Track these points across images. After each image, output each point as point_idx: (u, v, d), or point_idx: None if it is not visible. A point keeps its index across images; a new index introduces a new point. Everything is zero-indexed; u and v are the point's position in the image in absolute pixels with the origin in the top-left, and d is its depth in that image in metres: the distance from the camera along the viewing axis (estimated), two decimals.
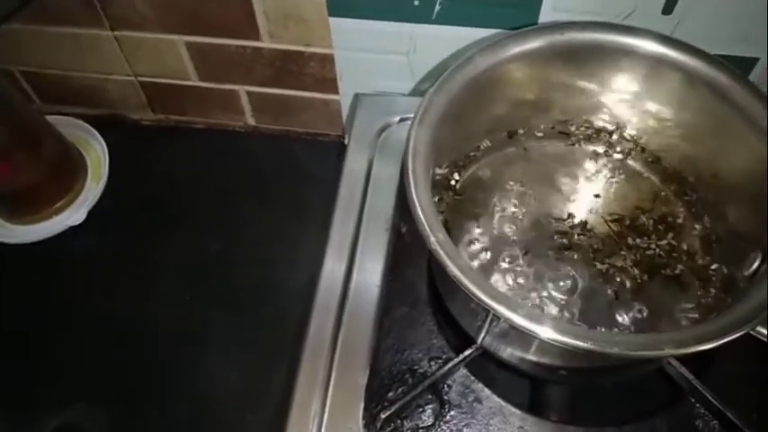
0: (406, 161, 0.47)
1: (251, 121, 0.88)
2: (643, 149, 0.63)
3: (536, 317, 0.40)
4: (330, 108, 0.82)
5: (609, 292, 0.55)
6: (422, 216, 0.45)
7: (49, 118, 0.81)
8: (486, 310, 0.43)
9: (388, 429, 0.54)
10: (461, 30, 0.68)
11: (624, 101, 0.61)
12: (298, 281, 0.73)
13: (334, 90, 0.80)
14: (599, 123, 0.64)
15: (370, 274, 0.62)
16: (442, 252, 0.43)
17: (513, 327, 0.42)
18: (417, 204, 0.45)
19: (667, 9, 0.62)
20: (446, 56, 0.71)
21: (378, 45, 0.72)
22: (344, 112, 0.83)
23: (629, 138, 0.64)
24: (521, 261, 0.57)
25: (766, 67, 0.64)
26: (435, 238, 0.44)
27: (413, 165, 0.47)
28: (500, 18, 0.65)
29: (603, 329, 0.51)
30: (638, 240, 0.57)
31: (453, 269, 0.42)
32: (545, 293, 0.55)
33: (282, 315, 0.71)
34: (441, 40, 0.69)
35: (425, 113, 0.50)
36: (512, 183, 0.61)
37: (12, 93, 0.74)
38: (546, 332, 0.40)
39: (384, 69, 0.75)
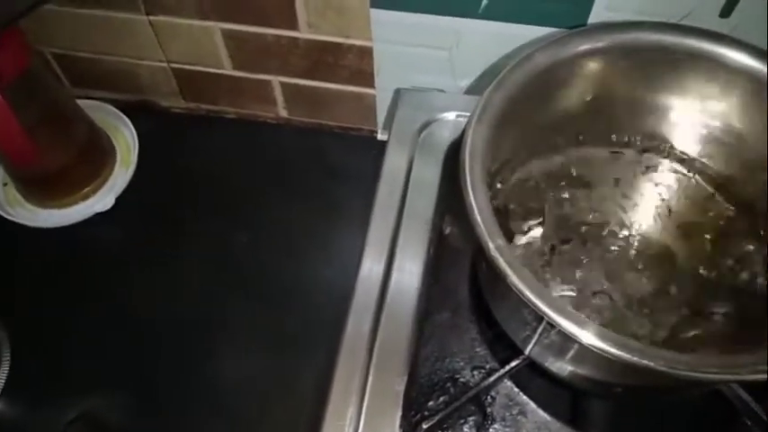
0: (463, 162, 0.45)
1: (283, 113, 0.86)
2: (709, 166, 0.61)
3: (606, 335, 0.38)
4: (364, 102, 0.81)
5: (657, 307, 0.53)
6: (480, 221, 0.43)
7: (79, 102, 0.79)
8: (538, 319, 0.41)
9: None
10: (508, 26, 0.66)
11: (692, 110, 0.59)
12: (325, 276, 0.73)
13: (370, 84, 0.78)
14: (664, 133, 0.61)
15: (410, 276, 0.60)
16: (501, 260, 0.41)
17: (568, 337, 0.40)
18: (475, 208, 0.43)
19: (726, 11, 0.60)
20: (491, 53, 0.69)
21: (419, 39, 0.70)
22: (379, 106, 0.81)
23: (693, 152, 0.61)
24: (569, 269, 0.55)
25: None
26: (495, 244, 0.42)
27: (470, 166, 0.45)
28: (550, 15, 0.63)
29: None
30: (695, 263, 0.55)
31: (514, 278, 0.40)
32: (595, 303, 0.52)
33: (308, 312, 0.70)
34: (486, 36, 0.67)
35: (484, 112, 0.48)
36: (564, 187, 0.59)
37: (43, 73, 0.72)
38: (619, 353, 0.38)
39: (423, 64, 0.73)
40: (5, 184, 0.80)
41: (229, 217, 0.78)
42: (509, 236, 0.57)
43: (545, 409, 0.53)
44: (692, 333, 0.51)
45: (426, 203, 0.64)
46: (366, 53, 0.73)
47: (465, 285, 0.60)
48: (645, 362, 0.38)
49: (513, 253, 0.42)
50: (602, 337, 0.38)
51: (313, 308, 0.71)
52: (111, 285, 0.74)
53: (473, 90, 0.74)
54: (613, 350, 0.38)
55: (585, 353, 0.45)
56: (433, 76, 0.74)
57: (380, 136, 0.85)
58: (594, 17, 0.62)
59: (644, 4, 0.61)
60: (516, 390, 0.54)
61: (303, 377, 0.66)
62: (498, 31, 0.66)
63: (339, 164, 0.82)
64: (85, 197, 0.79)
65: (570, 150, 0.61)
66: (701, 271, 0.55)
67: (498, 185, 0.56)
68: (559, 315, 0.39)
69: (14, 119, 0.63)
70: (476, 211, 0.43)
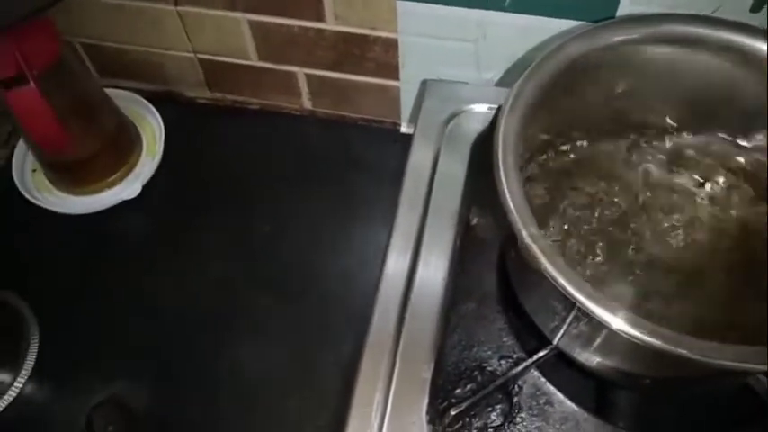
0: (496, 151, 0.46)
1: (307, 105, 0.87)
2: (741, 157, 0.60)
3: (640, 323, 0.38)
4: (389, 95, 0.81)
5: (692, 295, 0.53)
6: (513, 208, 0.43)
7: (107, 91, 0.80)
8: (569, 308, 0.41)
9: (456, 426, 0.52)
10: (535, 19, 0.66)
11: (724, 102, 0.58)
12: (347, 268, 0.73)
13: (395, 76, 0.78)
14: (697, 126, 0.61)
15: (436, 267, 0.60)
16: (535, 247, 0.41)
17: (597, 325, 0.40)
18: (509, 196, 0.44)
19: (756, 6, 0.60)
20: (516, 46, 0.69)
21: (445, 31, 0.70)
22: (403, 99, 0.81)
23: (724, 144, 0.60)
24: (595, 263, 0.55)
25: None
26: (528, 232, 0.42)
27: (503, 155, 0.45)
28: (577, 8, 0.63)
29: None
30: (727, 255, 0.54)
31: (548, 266, 0.41)
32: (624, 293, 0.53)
33: (330, 303, 0.71)
34: (512, 29, 0.67)
35: (516, 101, 0.48)
36: (593, 182, 0.59)
37: (73, 63, 0.73)
38: (651, 340, 0.38)
39: (449, 57, 0.73)
40: (34, 171, 0.81)
41: (252, 207, 0.79)
42: (544, 221, 0.57)
43: (572, 400, 0.53)
44: (721, 326, 0.51)
45: (453, 195, 0.64)
46: (392, 45, 0.74)
47: (492, 276, 0.60)
48: (678, 350, 0.38)
49: (546, 241, 0.42)
50: (635, 324, 0.38)
51: (335, 299, 0.71)
52: (136, 272, 0.75)
53: (498, 83, 0.74)
54: (645, 337, 0.38)
55: (615, 342, 0.45)
56: (457, 68, 0.74)
57: (404, 129, 0.85)
58: (622, 11, 0.62)
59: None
60: (543, 380, 0.54)
61: (325, 367, 0.67)
62: (524, 23, 0.66)
63: (362, 156, 0.83)
64: (112, 185, 0.80)
65: (601, 142, 0.61)
66: (731, 264, 0.55)
67: (536, 171, 0.57)
68: (592, 302, 0.39)
69: (47, 106, 0.64)
70: (509, 199, 0.44)
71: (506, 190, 0.44)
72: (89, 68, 0.87)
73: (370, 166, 0.81)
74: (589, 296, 0.40)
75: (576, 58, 0.51)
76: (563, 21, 0.65)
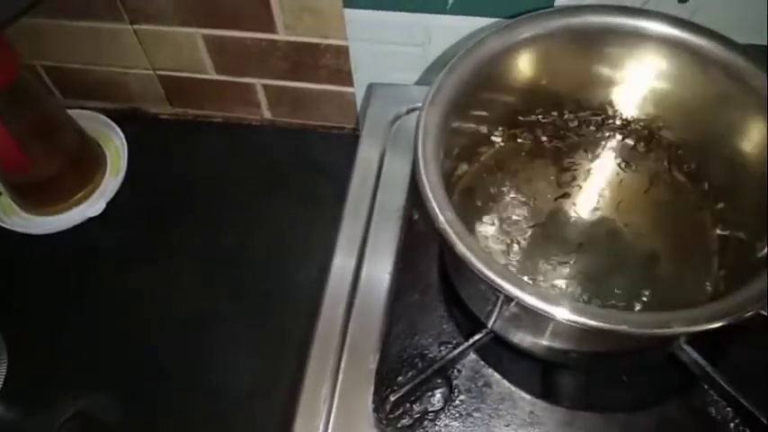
0: (416, 141, 0.47)
1: (267, 115, 0.89)
2: (657, 137, 0.62)
3: (545, 294, 0.40)
4: (345, 100, 0.83)
5: (618, 281, 0.54)
6: (431, 195, 0.45)
7: (70, 112, 0.82)
8: (497, 291, 0.42)
9: (398, 412, 0.54)
10: (477, 19, 0.68)
11: (639, 87, 0.60)
12: (311, 273, 0.73)
13: (349, 82, 0.80)
14: (614, 111, 0.63)
15: (382, 262, 0.62)
16: (450, 231, 0.43)
17: (523, 306, 0.41)
18: (426, 184, 0.45)
19: None
20: (462, 47, 0.69)
21: (392, 36, 0.72)
22: (359, 104, 0.83)
23: (643, 126, 0.63)
24: (528, 253, 0.56)
25: None
26: (444, 217, 0.44)
27: (423, 145, 0.47)
28: (515, 7, 0.65)
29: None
30: (651, 227, 0.56)
31: (462, 248, 0.42)
32: (555, 280, 0.54)
33: (295, 307, 0.71)
34: (456, 31, 0.69)
35: (437, 95, 0.50)
36: (523, 173, 0.61)
37: (34, 86, 0.75)
38: (556, 310, 0.40)
39: (399, 61, 0.75)
40: (1, 194, 0.83)
41: (218, 218, 0.80)
42: (478, 216, 0.59)
43: (509, 380, 0.55)
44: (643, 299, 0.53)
45: (398, 192, 0.66)
46: (343, 52, 0.76)
47: (434, 267, 0.62)
48: (586, 320, 0.39)
49: (464, 226, 0.44)
50: (543, 297, 0.40)
51: (299, 305, 0.71)
52: (104, 288, 0.76)
53: None
54: (549, 308, 0.40)
55: (535, 320, 0.46)
56: (408, 72, 0.76)
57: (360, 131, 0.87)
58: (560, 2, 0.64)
59: None
60: (482, 363, 0.56)
61: (285, 366, 0.67)
62: (468, 24, 0.68)
63: (323, 162, 0.84)
64: (77, 203, 0.81)
65: (527, 133, 0.63)
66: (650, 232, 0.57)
67: (465, 167, 0.58)
68: (503, 279, 0.41)
69: (5, 129, 0.65)
70: (427, 187, 0.45)
71: (424, 177, 0.46)
72: (51, 90, 0.89)
73: (332, 172, 0.82)
74: (498, 272, 0.41)
75: (495, 53, 0.53)
76: (504, 20, 0.66)
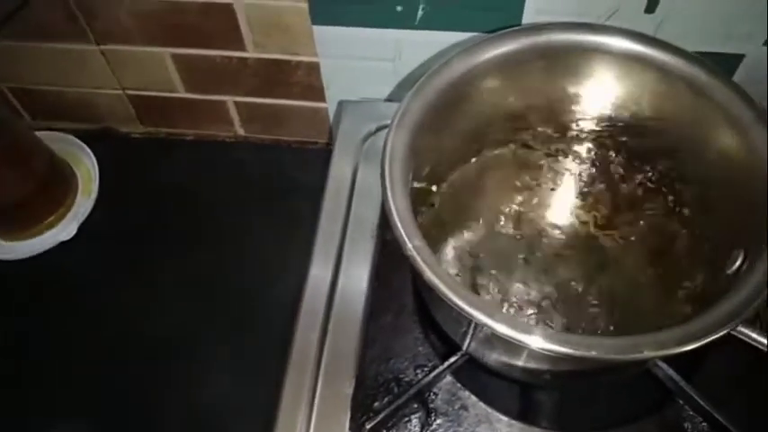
0: (383, 166, 0.47)
1: (240, 131, 0.88)
2: (625, 150, 0.62)
3: (512, 322, 0.40)
4: (318, 116, 0.83)
5: (589, 298, 0.55)
6: (398, 222, 0.45)
7: (39, 134, 0.81)
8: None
9: None
10: (445, 34, 0.68)
11: (604, 102, 0.60)
12: (286, 290, 0.72)
13: (322, 98, 0.80)
14: (580, 125, 0.63)
15: (357, 281, 0.62)
16: (418, 258, 0.43)
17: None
18: (394, 210, 0.45)
19: (650, 8, 0.62)
20: (432, 62, 0.71)
21: (363, 52, 0.72)
22: (332, 119, 0.82)
23: (612, 141, 0.63)
24: (498, 272, 0.56)
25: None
26: (412, 244, 0.43)
27: (390, 170, 0.47)
28: (483, 22, 0.65)
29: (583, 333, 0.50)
30: (621, 241, 0.56)
31: (431, 276, 0.42)
32: (526, 298, 0.54)
33: (271, 325, 0.71)
34: (425, 46, 0.69)
35: (403, 118, 0.50)
36: (493, 192, 0.61)
37: (1, 110, 0.74)
38: (527, 338, 0.39)
39: (370, 76, 0.75)
40: None
41: (193, 235, 0.80)
42: (447, 236, 0.58)
43: (487, 403, 0.54)
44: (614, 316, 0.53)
45: (371, 211, 0.66)
46: (314, 69, 0.75)
47: (408, 288, 0.62)
48: (554, 346, 0.39)
49: (432, 254, 0.44)
50: (514, 326, 0.40)
51: (272, 320, 0.72)
52: (79, 310, 0.75)
53: None
54: (520, 336, 0.40)
55: (508, 343, 0.46)
56: (380, 86, 0.76)
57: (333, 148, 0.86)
58: (526, 22, 0.64)
59: (571, 6, 0.63)
60: (458, 385, 0.56)
61: (261, 389, 0.67)
62: (436, 39, 0.68)
63: (298, 178, 0.84)
64: (49, 227, 0.80)
65: (495, 152, 0.63)
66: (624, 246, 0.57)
67: (434, 188, 0.58)
68: (473, 308, 0.41)
69: None
70: (394, 213, 0.45)
71: (392, 205, 0.45)
72: (19, 112, 0.88)
73: (305, 187, 0.82)
74: (467, 301, 0.41)
75: (461, 74, 0.53)
76: (470, 34, 0.67)
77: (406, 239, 0.44)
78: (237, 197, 0.83)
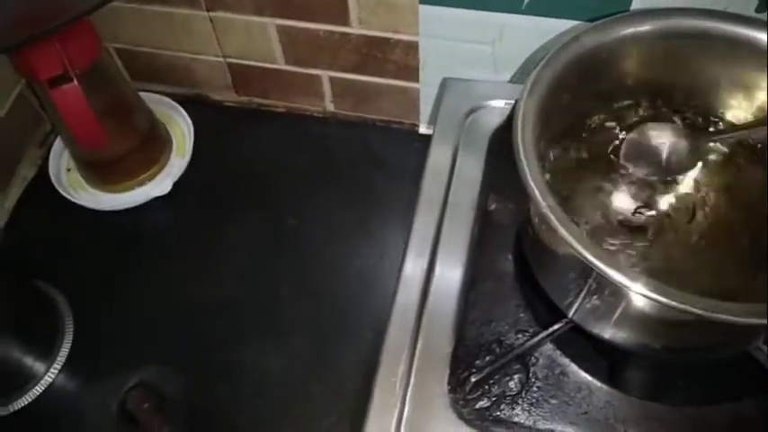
0: (515, 128, 0.49)
1: (330, 107, 0.90)
2: (749, 143, 0.62)
3: (650, 283, 0.41)
4: (409, 96, 0.84)
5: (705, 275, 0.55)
6: (532, 182, 0.46)
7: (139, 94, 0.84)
8: (584, 278, 0.43)
9: (477, 393, 0.55)
10: (551, 21, 0.68)
11: (732, 91, 0.61)
12: (365, 265, 0.76)
13: (415, 78, 0.81)
14: (706, 111, 0.63)
15: (456, 253, 0.63)
16: (552, 216, 0.44)
17: (616, 294, 0.42)
18: (527, 171, 0.47)
19: (761, 7, 0.62)
20: (533, 47, 0.72)
21: (463, 33, 0.73)
22: (422, 100, 0.84)
23: (734, 127, 0.63)
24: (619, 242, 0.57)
25: None
26: (547, 202, 0.45)
27: (522, 133, 0.49)
28: (591, 9, 0.66)
29: None
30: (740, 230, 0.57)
31: (565, 233, 0.43)
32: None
33: (349, 297, 0.74)
34: (528, 31, 0.70)
35: (535, 85, 0.52)
36: (613, 164, 0.62)
37: (110, 66, 0.77)
38: (660, 297, 0.41)
39: (467, 58, 0.76)
40: (69, 170, 0.85)
41: (276, 205, 0.82)
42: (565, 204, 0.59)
43: (586, 371, 0.56)
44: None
45: (472, 185, 0.67)
46: (412, 48, 0.77)
47: (508, 257, 0.63)
48: (692, 308, 0.40)
49: (562, 213, 0.45)
50: (653, 286, 0.41)
51: (353, 293, 0.74)
52: (165, 266, 0.78)
53: (513, 82, 0.77)
54: (662, 298, 0.41)
55: (627, 312, 0.47)
56: (475, 69, 0.77)
57: (422, 129, 0.88)
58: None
59: None
60: (558, 352, 0.57)
61: (343, 358, 0.69)
62: (539, 25, 0.69)
63: (381, 156, 0.86)
64: (143, 183, 0.83)
65: (614, 130, 0.64)
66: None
67: (551, 157, 0.59)
68: (610, 267, 0.42)
69: (88, 105, 0.67)
70: (527, 173, 0.47)
71: (525, 166, 0.47)
72: (123, 72, 0.91)
73: (390, 166, 0.84)
74: (606, 261, 0.42)
75: (589, 49, 0.55)
76: (578, 22, 0.67)
77: (540, 198, 0.46)
78: (321, 170, 0.85)
